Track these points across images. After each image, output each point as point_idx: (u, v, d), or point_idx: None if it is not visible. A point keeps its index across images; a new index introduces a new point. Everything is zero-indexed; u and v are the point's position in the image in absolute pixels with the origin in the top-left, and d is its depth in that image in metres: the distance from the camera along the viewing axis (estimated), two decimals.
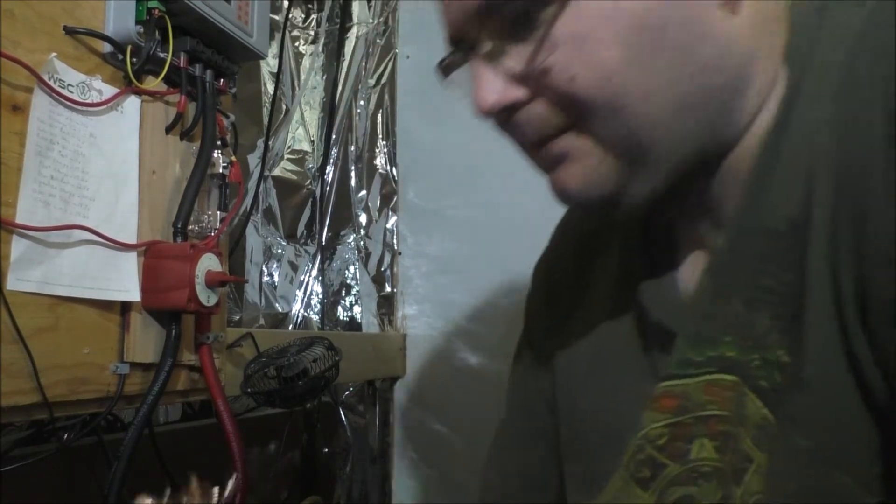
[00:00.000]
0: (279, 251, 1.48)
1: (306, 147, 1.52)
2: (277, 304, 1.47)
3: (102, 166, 0.61)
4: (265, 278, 1.46)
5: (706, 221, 0.51)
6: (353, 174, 1.49)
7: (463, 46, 0.48)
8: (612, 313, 0.58)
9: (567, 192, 0.49)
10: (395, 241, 1.43)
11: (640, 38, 0.43)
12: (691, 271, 0.53)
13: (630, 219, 0.52)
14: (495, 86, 0.46)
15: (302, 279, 1.48)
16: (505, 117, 0.48)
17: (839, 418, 0.41)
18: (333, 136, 1.50)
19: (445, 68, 0.50)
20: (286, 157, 1.50)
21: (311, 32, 1.55)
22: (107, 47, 0.62)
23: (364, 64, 1.50)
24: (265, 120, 1.42)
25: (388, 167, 1.46)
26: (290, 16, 1.51)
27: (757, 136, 0.46)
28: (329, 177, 1.50)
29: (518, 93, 0.46)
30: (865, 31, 0.41)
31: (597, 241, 0.63)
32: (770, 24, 0.46)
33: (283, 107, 1.50)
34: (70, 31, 0.59)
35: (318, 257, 1.49)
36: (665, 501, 0.49)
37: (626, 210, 0.48)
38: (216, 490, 0.45)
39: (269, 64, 1.46)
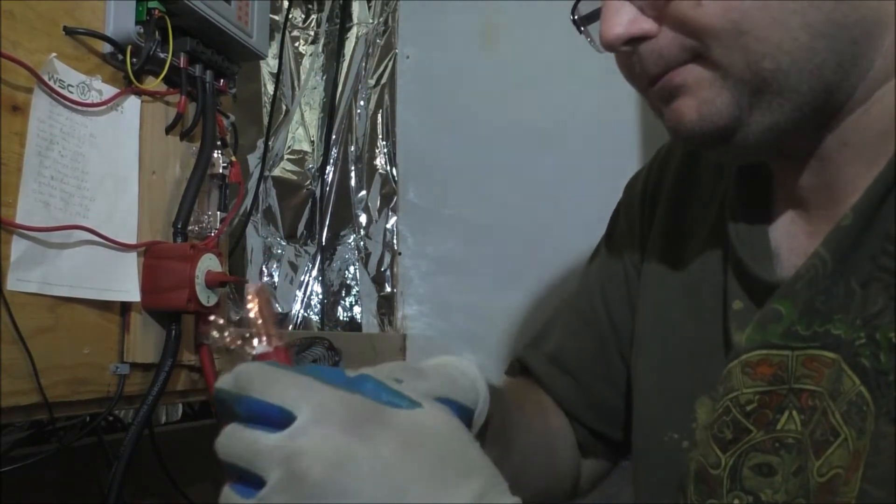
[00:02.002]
0: (279, 251, 1.48)
1: (306, 147, 1.52)
2: (277, 305, 1.47)
3: (102, 166, 0.61)
4: (265, 278, 1.46)
5: (813, 179, 0.51)
6: (353, 174, 1.49)
7: None
8: (707, 243, 0.57)
9: (682, 125, 0.48)
10: (395, 241, 1.43)
11: None
12: (790, 232, 0.52)
13: (743, 156, 0.51)
14: (623, 17, 0.46)
15: (302, 279, 1.48)
16: (630, 50, 0.48)
17: None
18: (333, 137, 1.50)
19: (582, 19, 0.50)
20: (286, 157, 1.50)
21: (311, 33, 1.55)
22: (107, 47, 0.62)
23: (364, 64, 1.50)
24: (265, 120, 1.42)
25: (388, 167, 1.46)
26: (290, 16, 1.51)
27: (884, 104, 0.46)
28: (329, 177, 1.50)
29: (646, 24, 0.46)
30: None
31: (699, 167, 0.62)
32: None
33: (283, 107, 1.50)
34: (70, 32, 0.59)
35: (318, 257, 1.49)
36: (743, 464, 0.49)
37: (739, 147, 0.47)
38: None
39: (269, 64, 1.46)
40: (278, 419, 0.34)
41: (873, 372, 0.44)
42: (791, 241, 0.52)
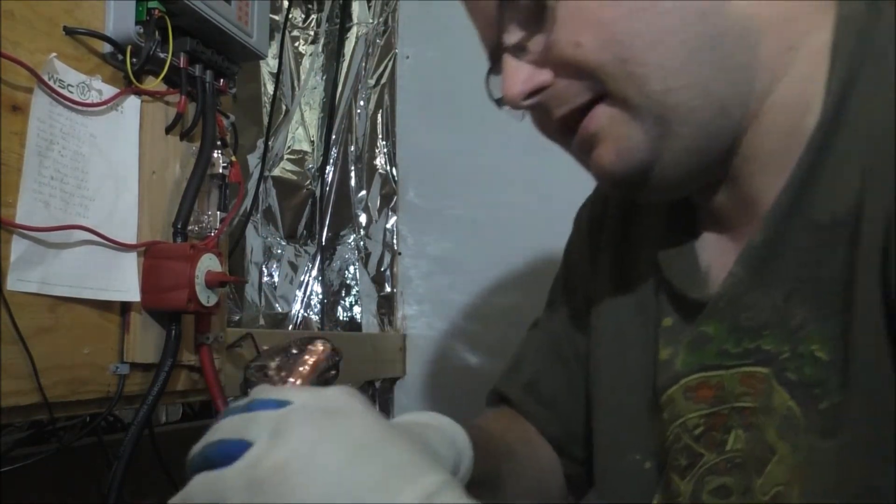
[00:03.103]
0: (279, 251, 1.48)
1: (306, 147, 1.52)
2: (277, 305, 1.47)
3: (102, 166, 0.61)
4: (265, 278, 1.46)
5: (729, 199, 0.52)
6: (353, 174, 1.49)
7: (494, 50, 0.51)
8: (648, 264, 0.59)
9: (604, 169, 0.50)
10: (395, 241, 1.43)
11: None
12: (719, 249, 0.53)
13: (667, 192, 0.53)
14: (520, 76, 0.49)
15: (302, 279, 1.48)
16: (534, 103, 0.50)
17: (883, 418, 0.40)
18: (333, 136, 1.50)
19: (497, 101, 0.52)
20: (286, 157, 1.50)
21: (311, 33, 1.55)
22: (107, 47, 0.62)
23: (364, 64, 1.50)
24: (265, 120, 1.42)
25: (388, 167, 1.46)
26: (290, 16, 1.51)
27: (774, 115, 0.47)
28: (329, 177, 1.50)
29: (541, 76, 0.48)
30: None
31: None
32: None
33: (283, 107, 1.50)
34: (70, 32, 0.59)
35: (318, 257, 1.49)
36: (702, 489, 0.49)
37: (661, 182, 0.49)
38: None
39: (269, 64, 1.46)
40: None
41: (800, 386, 0.44)
42: (720, 258, 0.53)
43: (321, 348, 0.43)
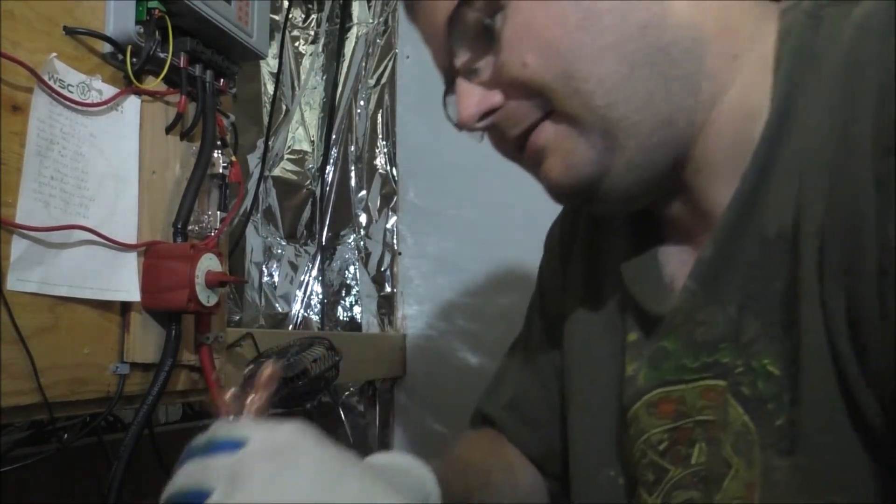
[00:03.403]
0: (279, 251, 1.48)
1: (306, 147, 1.52)
2: (277, 305, 1.47)
3: (102, 166, 0.61)
4: (265, 278, 1.47)
5: (686, 210, 0.52)
6: (353, 174, 1.49)
7: (446, 73, 0.52)
8: (614, 281, 0.59)
9: (553, 182, 0.51)
10: (395, 241, 1.43)
11: (575, 11, 0.45)
12: (682, 261, 0.53)
13: (620, 205, 0.53)
14: (472, 99, 0.50)
15: (302, 279, 1.48)
16: (488, 124, 0.51)
17: (829, 437, 0.40)
18: (333, 136, 1.50)
19: (457, 125, 0.53)
20: (286, 157, 1.50)
21: (311, 32, 1.55)
22: (107, 47, 0.62)
23: (364, 64, 1.50)
24: (265, 120, 1.43)
25: (388, 167, 1.46)
26: (290, 16, 1.51)
27: (720, 124, 0.47)
28: (329, 177, 1.50)
29: (493, 98, 0.49)
30: (855, 42, 0.41)
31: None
32: (712, 7, 0.47)
33: (283, 107, 1.50)
34: (70, 32, 0.59)
35: (318, 257, 1.49)
36: None
37: (611, 195, 0.49)
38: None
39: (269, 64, 1.46)
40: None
41: (754, 401, 0.44)
42: (682, 269, 0.53)
43: (268, 371, 0.43)
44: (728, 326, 0.46)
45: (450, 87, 0.53)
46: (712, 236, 0.47)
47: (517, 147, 0.52)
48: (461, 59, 0.50)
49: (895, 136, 0.36)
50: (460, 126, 0.51)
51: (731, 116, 0.47)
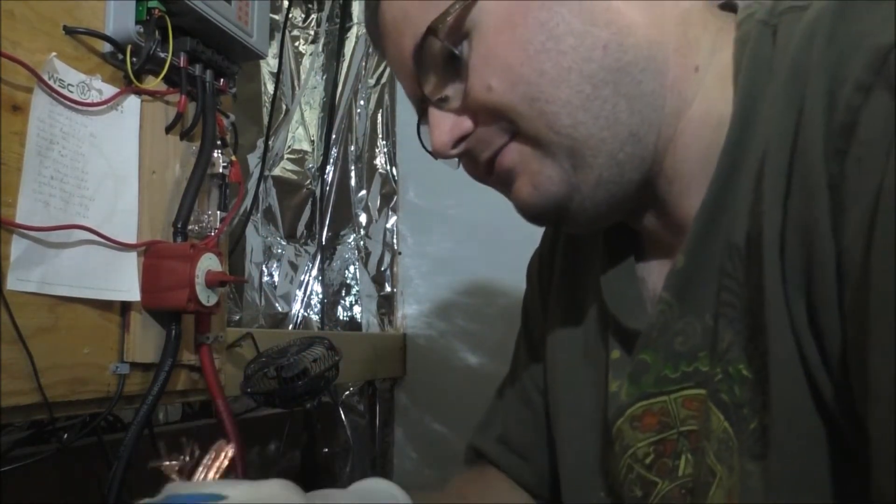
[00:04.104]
0: (279, 251, 1.48)
1: (306, 147, 1.52)
2: (277, 304, 1.47)
3: (102, 166, 0.61)
4: (265, 278, 1.47)
5: (661, 223, 0.53)
6: (353, 174, 1.49)
7: (418, 102, 0.53)
8: (594, 302, 0.60)
9: (523, 202, 0.51)
10: (395, 241, 1.43)
11: (537, 35, 0.46)
12: (662, 274, 0.53)
13: (592, 223, 0.53)
14: (444, 126, 0.50)
15: (302, 279, 1.48)
16: (461, 151, 0.52)
17: (799, 440, 0.40)
18: (333, 136, 1.50)
19: (432, 153, 0.54)
20: (286, 157, 1.50)
21: (311, 32, 1.55)
22: (107, 47, 0.62)
23: (364, 64, 1.50)
24: (265, 120, 1.43)
25: (388, 167, 1.46)
26: (290, 16, 1.51)
27: (687, 137, 0.48)
28: (329, 177, 1.50)
29: (464, 124, 0.50)
30: (801, 48, 0.41)
31: (578, 240, 0.65)
32: (670, 22, 0.48)
33: (283, 107, 1.50)
34: (70, 31, 0.59)
35: (318, 257, 1.49)
36: None
37: (581, 213, 0.50)
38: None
39: (269, 64, 1.46)
40: None
41: (732, 406, 0.44)
42: (661, 282, 0.52)
43: (228, 453, 0.42)
44: (705, 335, 0.47)
45: (423, 117, 0.54)
46: (684, 246, 0.47)
47: (487, 171, 0.52)
48: (430, 87, 0.51)
49: (844, 139, 0.36)
50: (435, 154, 0.52)
51: (697, 127, 0.48)
